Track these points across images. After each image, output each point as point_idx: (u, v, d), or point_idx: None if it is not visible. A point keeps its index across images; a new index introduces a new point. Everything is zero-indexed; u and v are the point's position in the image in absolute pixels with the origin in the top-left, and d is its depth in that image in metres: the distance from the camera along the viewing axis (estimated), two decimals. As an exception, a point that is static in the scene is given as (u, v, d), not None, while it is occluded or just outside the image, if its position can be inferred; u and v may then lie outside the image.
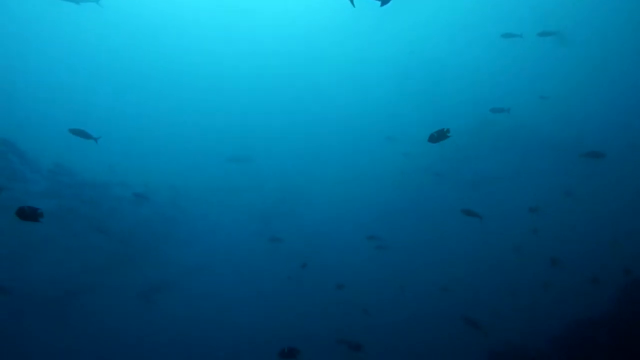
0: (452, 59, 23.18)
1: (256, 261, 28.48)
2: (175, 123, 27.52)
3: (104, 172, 23.07)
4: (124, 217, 24.81)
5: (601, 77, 22.98)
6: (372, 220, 27.23)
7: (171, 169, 27.02)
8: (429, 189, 26.33)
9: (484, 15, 21.36)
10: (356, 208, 28.15)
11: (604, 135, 24.15)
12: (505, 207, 25.20)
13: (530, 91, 22.43)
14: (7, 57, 22.22)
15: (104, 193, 23.21)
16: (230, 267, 29.64)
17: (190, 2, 23.90)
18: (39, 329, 27.22)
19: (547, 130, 23.94)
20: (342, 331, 19.99)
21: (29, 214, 4.06)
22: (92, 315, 27.71)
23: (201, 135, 28.37)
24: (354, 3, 6.04)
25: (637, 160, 24.19)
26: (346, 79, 27.35)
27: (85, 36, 22.37)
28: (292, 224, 28.29)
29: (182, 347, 29.74)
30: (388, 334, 23.84)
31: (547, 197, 25.69)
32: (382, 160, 26.68)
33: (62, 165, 20.34)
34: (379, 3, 6.11)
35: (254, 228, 28.62)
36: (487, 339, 17.55)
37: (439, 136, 7.19)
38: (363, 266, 26.39)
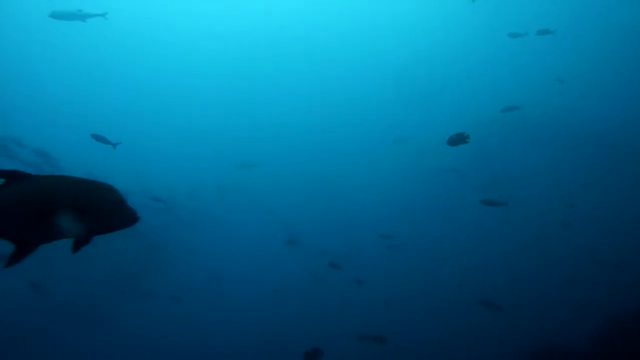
0: (462, 58, 23.15)
1: (277, 263, 28.84)
2: (196, 128, 28.11)
3: (129, 180, 23.69)
4: (148, 224, 25.44)
5: (615, 69, 22.66)
6: (391, 218, 27.30)
7: (191, 175, 27.63)
8: (448, 185, 26.26)
9: (489, 12, 21.28)
10: (375, 207, 28.25)
11: (625, 125, 23.74)
12: (526, 202, 24.89)
13: (545, 86, 22.22)
14: (37, 67, 22.99)
15: (130, 200, 23.84)
16: (254, 271, 30.06)
17: (199, 7, 24.38)
18: (68, 332, 28.01)
19: (565, 124, 23.64)
20: (363, 327, 20.08)
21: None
22: (119, 319, 28.42)
23: (217, 140, 28.87)
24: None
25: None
26: (355, 80, 27.48)
27: (105, 47, 23.07)
28: (312, 225, 28.55)
29: (206, 349, 30.25)
30: (411, 331, 23.78)
31: (571, 191, 25.23)
32: (396, 159, 26.71)
33: (94, 174, 20.99)
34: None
35: (274, 231, 28.98)
36: (521, 338, 17.12)
37: (457, 139, 6.92)
38: (383, 264, 26.43)
